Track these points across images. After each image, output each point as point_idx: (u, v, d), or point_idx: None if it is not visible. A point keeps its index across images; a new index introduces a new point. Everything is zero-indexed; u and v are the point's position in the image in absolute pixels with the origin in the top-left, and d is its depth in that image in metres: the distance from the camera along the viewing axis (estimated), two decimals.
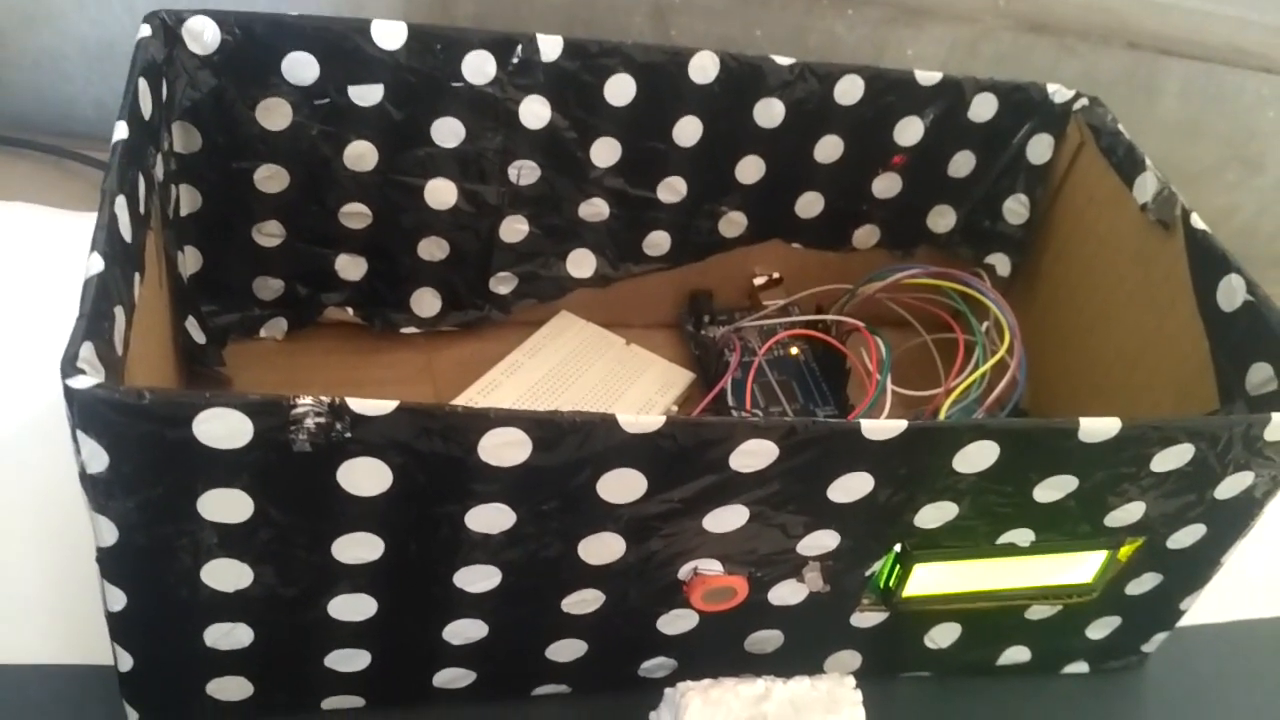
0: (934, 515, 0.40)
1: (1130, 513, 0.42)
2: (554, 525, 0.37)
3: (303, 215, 0.55)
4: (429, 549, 0.37)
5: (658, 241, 0.60)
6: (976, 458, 0.38)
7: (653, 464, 0.36)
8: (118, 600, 0.36)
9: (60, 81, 0.69)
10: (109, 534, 0.34)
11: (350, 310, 0.58)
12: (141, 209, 0.42)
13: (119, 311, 0.36)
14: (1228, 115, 0.77)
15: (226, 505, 0.34)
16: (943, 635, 0.47)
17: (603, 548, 0.38)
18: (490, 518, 0.36)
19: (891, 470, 0.38)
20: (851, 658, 0.47)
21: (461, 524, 0.36)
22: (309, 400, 0.32)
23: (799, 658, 0.45)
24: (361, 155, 0.53)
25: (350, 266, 0.57)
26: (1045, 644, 0.49)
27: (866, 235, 0.62)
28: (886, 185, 0.60)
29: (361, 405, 0.32)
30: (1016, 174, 0.60)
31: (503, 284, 0.59)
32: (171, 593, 0.36)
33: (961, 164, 0.60)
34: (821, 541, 0.40)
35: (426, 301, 0.59)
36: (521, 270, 0.59)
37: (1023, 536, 0.42)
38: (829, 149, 0.58)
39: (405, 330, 0.59)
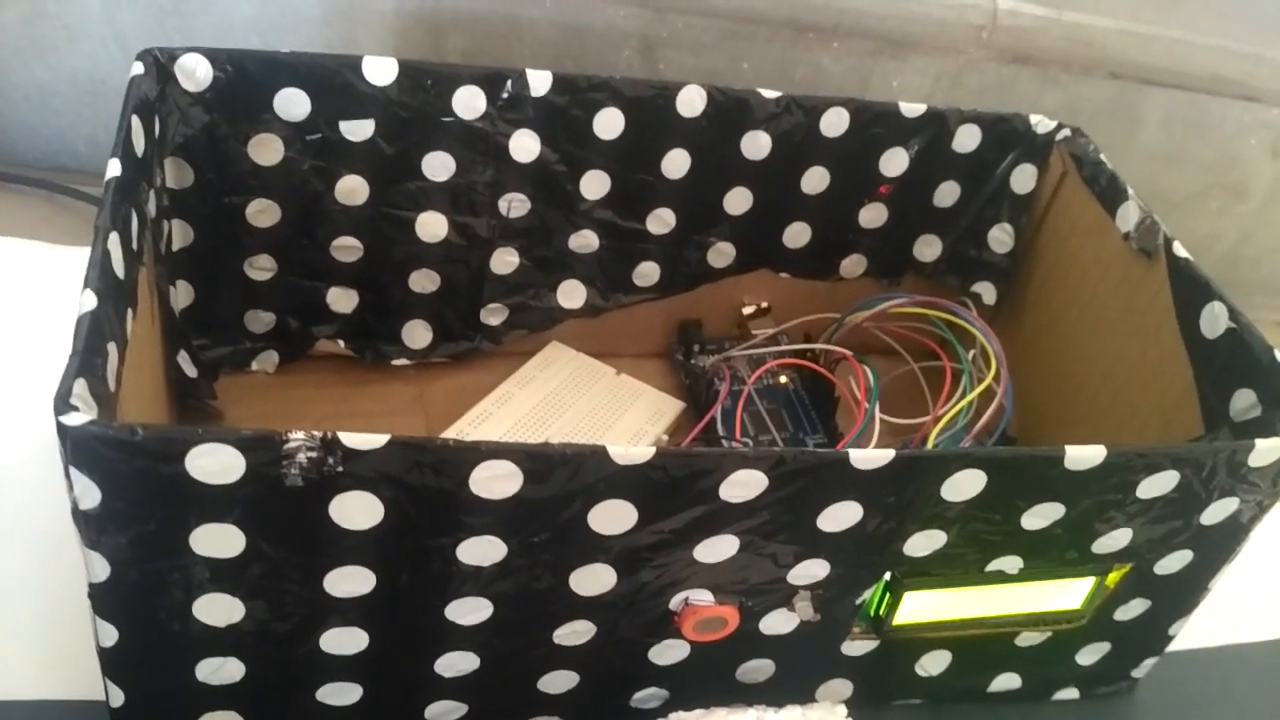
0: (923, 543, 0.41)
1: (1117, 539, 0.43)
2: (545, 557, 0.37)
3: (294, 249, 0.55)
4: (420, 582, 0.37)
5: (647, 272, 0.60)
6: (964, 486, 0.38)
7: (643, 495, 0.36)
8: (110, 635, 0.36)
9: (51, 116, 0.70)
10: (101, 569, 0.34)
11: (341, 343, 0.58)
12: (134, 245, 0.42)
13: (112, 348, 0.37)
14: (1210, 143, 0.78)
15: (218, 540, 0.34)
16: (933, 663, 0.47)
17: (594, 579, 0.39)
18: (481, 550, 0.36)
19: (880, 499, 0.38)
20: (843, 686, 0.47)
21: (453, 557, 0.36)
22: (301, 435, 0.32)
23: (790, 687, 0.45)
24: (353, 190, 0.54)
25: (341, 299, 0.57)
26: (1035, 671, 0.49)
27: (854, 265, 0.63)
28: (873, 215, 0.61)
29: (353, 440, 0.33)
30: (1001, 204, 0.61)
31: (493, 315, 0.59)
32: (164, 628, 0.36)
33: (946, 194, 0.61)
34: (811, 571, 0.41)
35: (417, 333, 0.59)
36: (512, 301, 0.59)
37: (1011, 564, 0.42)
38: (816, 180, 0.59)
39: (396, 362, 0.59)
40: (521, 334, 0.60)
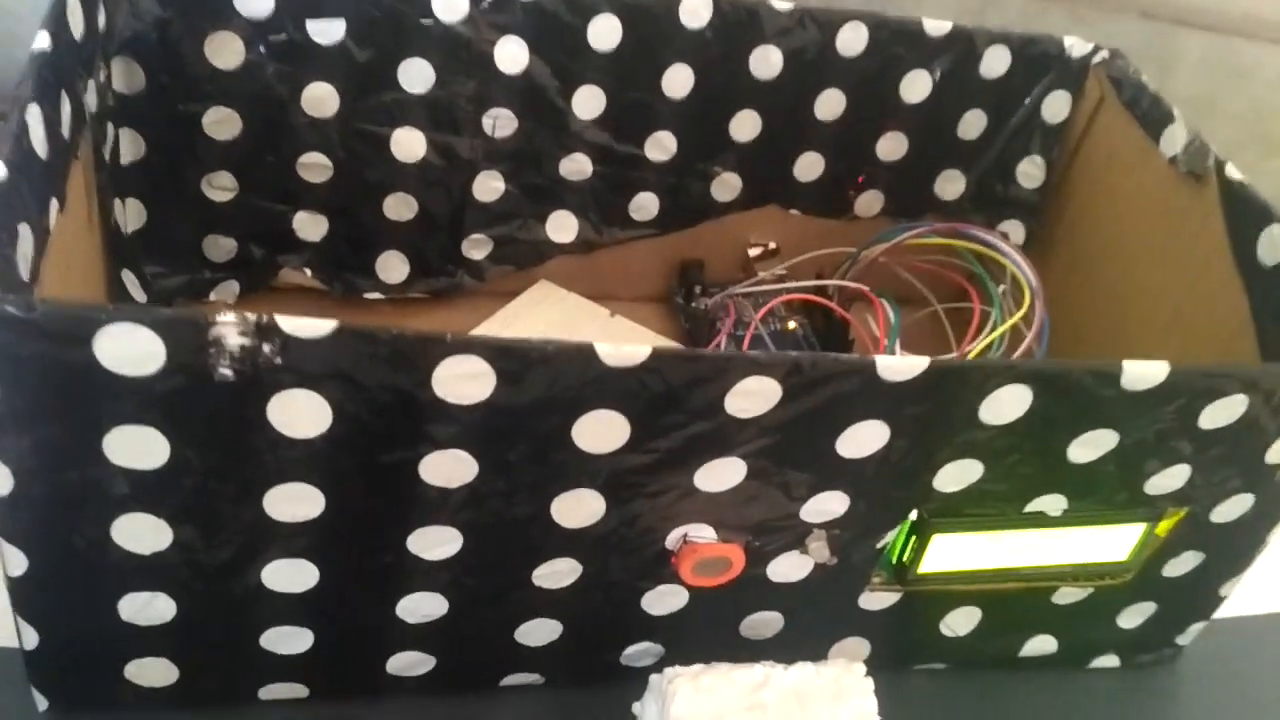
0: (955, 476, 0.36)
1: (1173, 478, 0.38)
2: (523, 479, 0.32)
3: (257, 166, 0.50)
4: (378, 506, 0.32)
5: (645, 204, 0.55)
6: (1006, 406, 0.33)
7: (636, 406, 0.31)
8: (18, 563, 0.31)
9: (9, 41, 0.65)
10: (4, 482, 0.29)
11: (309, 273, 0.53)
12: (64, 132, 0.37)
13: (24, 230, 0.32)
14: (1245, 91, 0.73)
15: (138, 446, 0.29)
16: (961, 621, 0.42)
17: (579, 508, 0.34)
18: (448, 468, 0.31)
19: (909, 419, 0.33)
20: (859, 645, 0.42)
21: (415, 475, 0.31)
22: (231, 317, 0.27)
23: (801, 645, 0.40)
24: (321, 99, 0.49)
25: (309, 225, 0.52)
26: (1073, 633, 0.44)
27: (869, 202, 0.58)
28: (891, 147, 0.56)
29: (293, 325, 0.28)
30: (1031, 134, 0.56)
31: (476, 248, 0.54)
32: (78, 554, 0.31)
33: (972, 124, 0.56)
34: (828, 505, 0.36)
35: (393, 266, 0.54)
36: (497, 233, 0.54)
37: (1054, 504, 0.37)
38: (830, 105, 0.54)
39: (369, 296, 0.54)
40: (507, 270, 0.55)
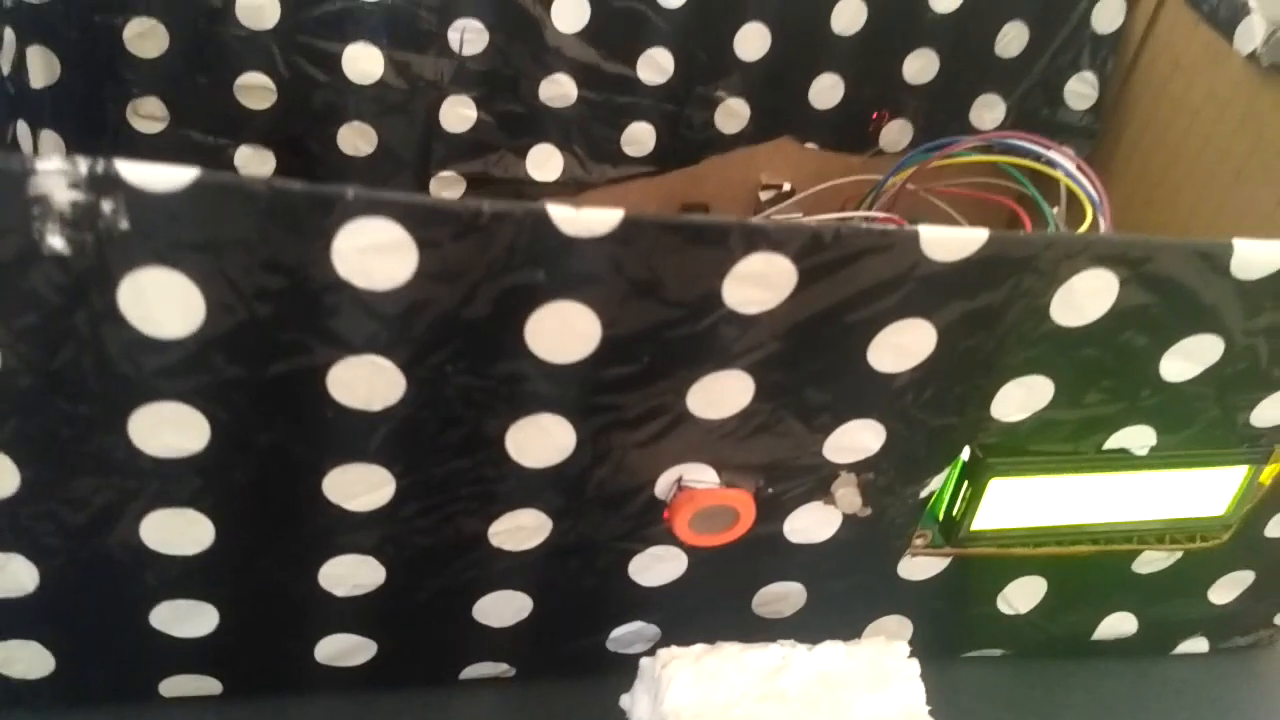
0: (1019, 399, 0.28)
1: None
2: (465, 398, 0.25)
3: (189, 91, 0.44)
4: (280, 436, 0.25)
5: (639, 136, 0.48)
6: (1085, 299, 0.26)
7: (607, 295, 0.24)
8: None
9: None
10: None
11: None
12: None
13: None
14: None
15: None
16: (1022, 595, 0.35)
17: (541, 439, 0.26)
18: (366, 383, 0.24)
19: (961, 319, 0.26)
20: (899, 626, 0.34)
21: (324, 392, 0.24)
22: (57, 163, 0.20)
23: (827, 625, 0.32)
24: (259, 7, 0.43)
25: (254, 161, 0.46)
26: (1157, 610, 0.36)
27: (897, 133, 0.51)
28: (920, 67, 0.49)
29: (140, 173, 0.21)
30: (1080, 47, 0.49)
31: (446, 187, 0.48)
32: None
33: (1011, 39, 0.49)
34: (858, 438, 0.28)
35: None
36: (469, 169, 0.48)
37: (1140, 438, 0.30)
38: (849, 16, 0.47)
39: None
40: None
